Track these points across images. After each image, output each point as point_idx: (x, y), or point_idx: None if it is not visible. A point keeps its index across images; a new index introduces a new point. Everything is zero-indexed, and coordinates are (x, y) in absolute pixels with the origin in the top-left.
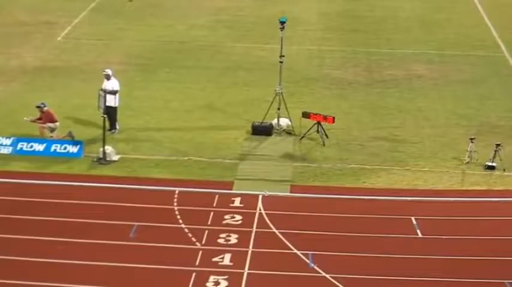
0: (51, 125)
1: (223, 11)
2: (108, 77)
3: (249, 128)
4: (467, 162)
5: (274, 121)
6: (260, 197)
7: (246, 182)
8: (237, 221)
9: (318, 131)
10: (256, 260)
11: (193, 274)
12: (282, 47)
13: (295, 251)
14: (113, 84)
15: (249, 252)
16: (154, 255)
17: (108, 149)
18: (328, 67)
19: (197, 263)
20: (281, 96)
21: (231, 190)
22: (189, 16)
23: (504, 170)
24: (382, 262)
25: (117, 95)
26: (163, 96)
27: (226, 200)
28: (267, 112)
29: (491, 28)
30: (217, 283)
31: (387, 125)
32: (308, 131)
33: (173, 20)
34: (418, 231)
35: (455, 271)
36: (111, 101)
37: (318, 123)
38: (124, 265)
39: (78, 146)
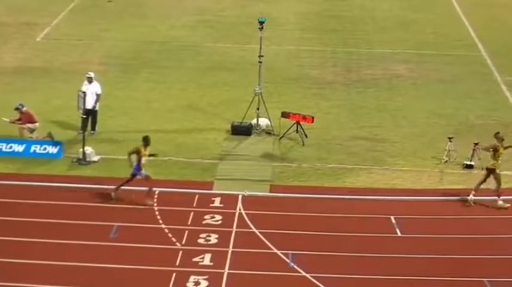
0: (30, 125)
1: (204, 11)
2: (90, 80)
3: (229, 128)
4: (446, 161)
5: (254, 121)
6: (240, 197)
7: (226, 182)
8: (217, 221)
9: (297, 131)
10: (237, 260)
11: (174, 274)
12: (261, 47)
13: (275, 250)
14: (95, 87)
15: (229, 252)
16: (135, 255)
17: (88, 149)
18: (307, 67)
19: (177, 263)
20: (260, 96)
21: (211, 190)
22: (170, 16)
23: (482, 169)
24: (362, 261)
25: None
26: (144, 96)
27: (206, 200)
28: (246, 112)
29: (469, 28)
30: (197, 283)
31: (366, 125)
32: (287, 131)
33: (154, 20)
34: (398, 230)
35: (434, 269)
36: (93, 104)
37: (297, 123)
38: (104, 266)
39: (58, 147)
